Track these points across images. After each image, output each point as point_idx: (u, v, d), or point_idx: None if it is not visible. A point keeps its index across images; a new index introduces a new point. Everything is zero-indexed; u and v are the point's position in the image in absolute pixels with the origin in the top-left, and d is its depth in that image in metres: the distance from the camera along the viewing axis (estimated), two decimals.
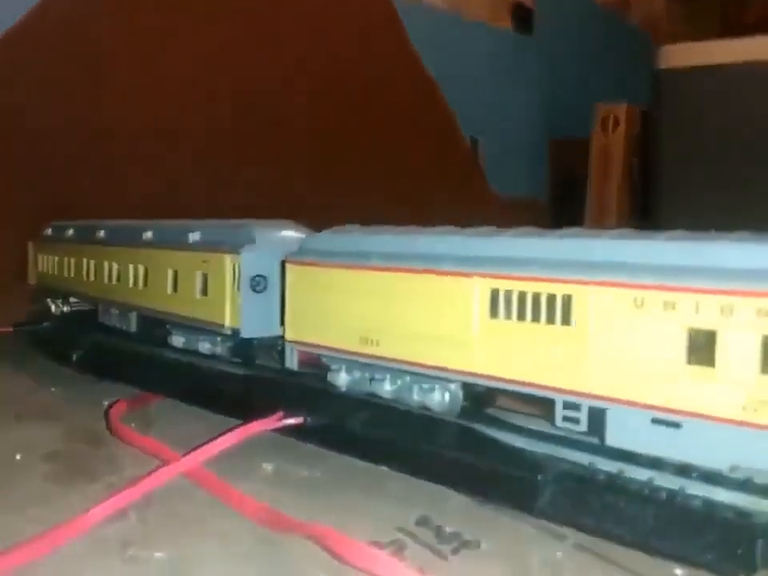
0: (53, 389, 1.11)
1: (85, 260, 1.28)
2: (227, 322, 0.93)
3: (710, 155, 1.89)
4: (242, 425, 0.78)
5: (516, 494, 0.63)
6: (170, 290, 1.05)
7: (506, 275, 0.65)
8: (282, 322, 0.88)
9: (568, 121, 2.77)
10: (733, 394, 0.53)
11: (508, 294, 0.65)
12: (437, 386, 0.74)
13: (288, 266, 0.86)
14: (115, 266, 1.19)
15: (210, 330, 0.97)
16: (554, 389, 0.62)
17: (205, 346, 1.02)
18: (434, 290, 0.71)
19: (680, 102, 1.95)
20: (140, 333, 1.17)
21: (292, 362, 0.88)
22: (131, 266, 1.14)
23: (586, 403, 0.61)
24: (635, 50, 2.97)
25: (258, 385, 0.92)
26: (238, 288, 0.91)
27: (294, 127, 2.03)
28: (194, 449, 0.74)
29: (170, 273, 1.05)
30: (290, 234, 0.94)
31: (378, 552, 0.55)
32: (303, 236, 0.92)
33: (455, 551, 0.59)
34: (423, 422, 0.74)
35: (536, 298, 0.63)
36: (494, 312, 0.66)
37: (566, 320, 0.61)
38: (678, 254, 0.57)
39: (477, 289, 0.67)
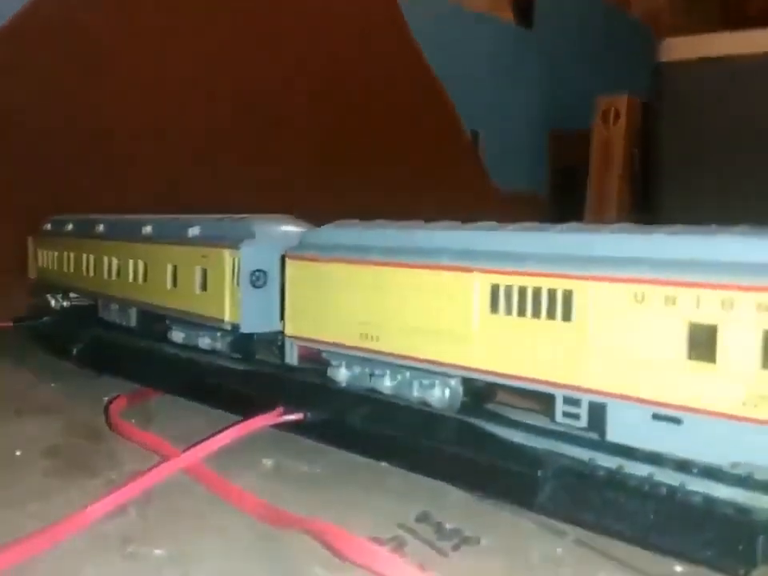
0: (53, 384, 1.11)
1: (84, 255, 1.28)
2: (227, 317, 0.93)
3: (711, 148, 1.89)
4: (242, 420, 0.78)
5: (516, 489, 0.63)
6: (169, 285, 1.05)
7: (506, 270, 0.65)
8: (282, 317, 0.88)
9: (568, 114, 2.76)
10: (733, 389, 0.52)
11: (508, 288, 0.65)
12: (437, 382, 0.74)
13: (288, 260, 0.86)
14: (115, 261, 1.19)
15: (209, 325, 0.97)
16: (554, 384, 0.62)
17: (205, 342, 1.02)
18: (434, 284, 0.71)
19: (681, 94, 1.94)
20: (140, 328, 1.17)
21: (292, 357, 0.87)
22: (131, 261, 1.14)
23: (586, 398, 0.60)
24: (636, 43, 2.96)
25: (258, 380, 0.92)
26: (238, 283, 0.91)
27: (294, 127, 2.03)
28: (194, 444, 0.74)
29: (170, 268, 1.05)
30: (290, 228, 0.94)
31: (379, 548, 0.55)
32: (303, 230, 0.91)
33: (455, 547, 0.59)
34: (423, 417, 0.74)
35: (536, 292, 0.63)
36: (494, 307, 0.66)
37: (566, 315, 0.61)
38: (679, 249, 0.57)
39: (477, 284, 0.67)
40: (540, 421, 0.70)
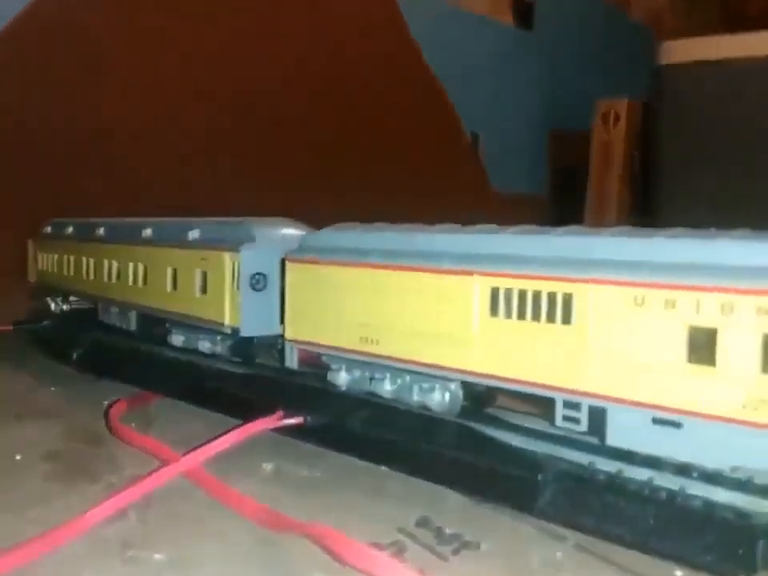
0: (53, 388, 1.11)
1: (84, 258, 1.28)
2: (227, 321, 0.93)
3: (710, 149, 1.89)
4: (241, 424, 0.78)
5: (516, 493, 0.63)
6: (169, 288, 1.05)
7: (506, 273, 0.65)
8: (282, 321, 0.88)
9: (568, 115, 2.76)
10: (733, 392, 0.52)
11: (508, 292, 0.65)
12: (437, 386, 0.74)
13: (288, 264, 0.86)
14: (115, 264, 1.19)
15: (209, 328, 0.97)
16: (554, 388, 0.62)
17: (204, 345, 1.02)
18: (434, 288, 0.70)
19: (681, 96, 1.94)
20: (140, 331, 1.17)
21: (292, 360, 0.87)
22: (131, 264, 1.14)
23: (586, 402, 0.60)
24: (636, 44, 2.96)
25: (258, 384, 0.92)
26: (238, 286, 0.91)
27: (294, 127, 2.03)
28: (194, 449, 0.74)
29: (170, 271, 1.05)
30: (290, 231, 0.94)
31: (379, 553, 0.55)
32: (303, 234, 0.91)
33: (455, 552, 0.59)
34: (423, 421, 0.74)
35: (536, 296, 0.63)
36: (494, 310, 0.66)
37: (566, 318, 0.61)
38: (679, 252, 0.57)
39: (477, 287, 0.67)
40: (540, 425, 0.70)
